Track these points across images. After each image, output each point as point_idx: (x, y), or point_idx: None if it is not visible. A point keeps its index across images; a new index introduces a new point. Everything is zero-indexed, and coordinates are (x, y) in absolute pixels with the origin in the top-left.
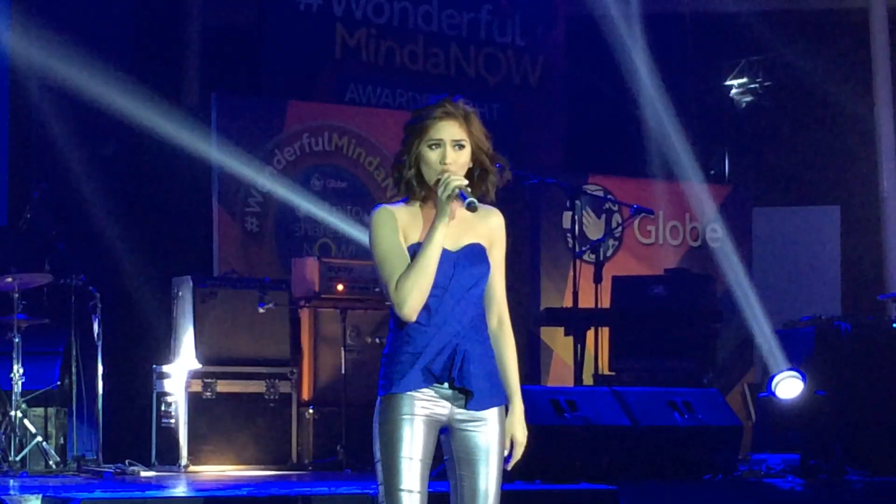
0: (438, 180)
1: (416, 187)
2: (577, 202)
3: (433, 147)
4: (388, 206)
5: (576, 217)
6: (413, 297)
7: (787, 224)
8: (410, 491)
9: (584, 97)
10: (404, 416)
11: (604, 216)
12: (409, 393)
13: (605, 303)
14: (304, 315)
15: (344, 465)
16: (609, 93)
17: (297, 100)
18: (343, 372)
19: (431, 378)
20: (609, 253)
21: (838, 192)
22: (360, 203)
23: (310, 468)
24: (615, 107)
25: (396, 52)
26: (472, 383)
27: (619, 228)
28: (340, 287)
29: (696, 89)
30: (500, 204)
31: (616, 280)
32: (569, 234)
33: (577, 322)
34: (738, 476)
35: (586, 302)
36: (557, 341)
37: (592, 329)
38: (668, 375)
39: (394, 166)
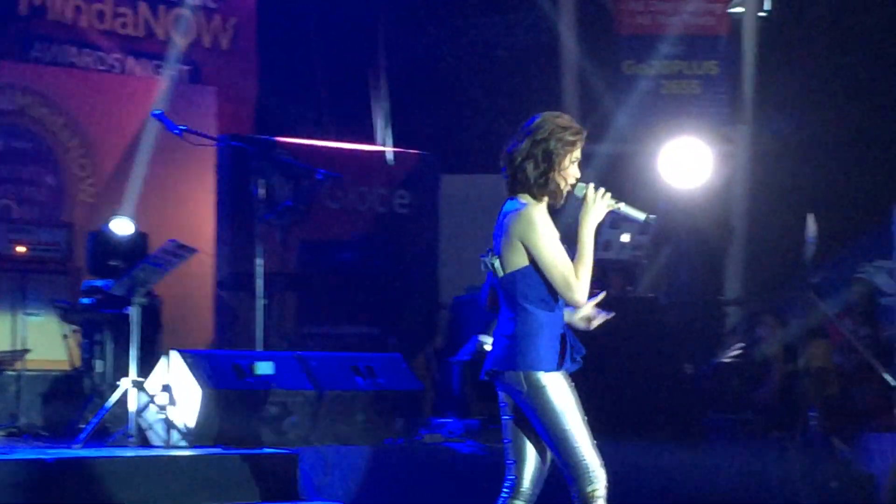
0: (573, 187)
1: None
2: (264, 165)
3: (575, 163)
4: (539, 206)
5: (261, 181)
6: (587, 288)
7: (474, 191)
8: (595, 442)
9: (276, 60)
10: (571, 388)
11: (292, 181)
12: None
13: (293, 267)
14: None
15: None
16: (302, 55)
17: None
18: (22, 338)
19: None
20: (296, 217)
21: None
22: (43, 164)
23: None
24: (309, 70)
25: (84, 11)
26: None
27: (307, 193)
28: (22, 249)
29: (392, 51)
30: None
31: (303, 244)
32: (255, 198)
33: (264, 286)
34: (419, 440)
35: (274, 266)
36: (244, 305)
37: (280, 294)
38: (354, 341)
39: (537, 169)
